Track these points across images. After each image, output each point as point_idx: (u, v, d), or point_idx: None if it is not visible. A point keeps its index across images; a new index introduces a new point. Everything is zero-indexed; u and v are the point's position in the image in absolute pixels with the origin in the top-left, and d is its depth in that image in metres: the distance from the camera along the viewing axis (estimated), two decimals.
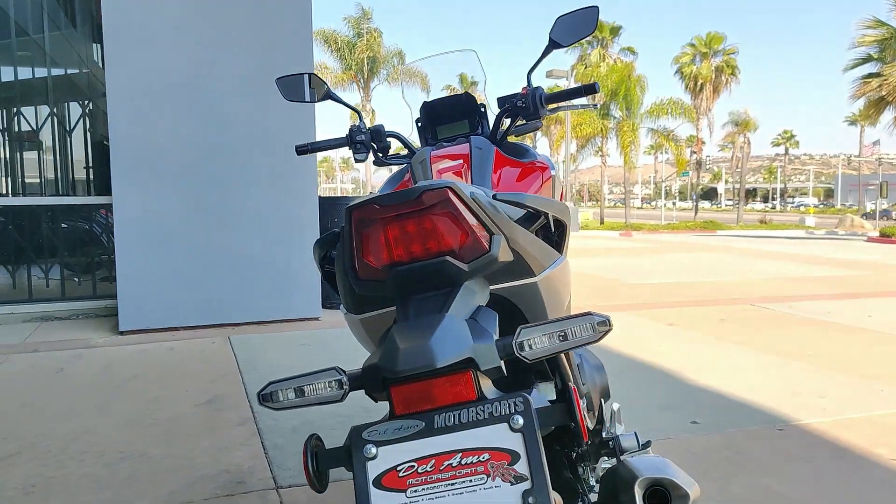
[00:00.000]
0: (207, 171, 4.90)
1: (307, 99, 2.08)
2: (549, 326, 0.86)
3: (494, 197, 1.03)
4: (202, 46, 4.87)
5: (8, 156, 5.77)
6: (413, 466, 0.80)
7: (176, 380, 3.58)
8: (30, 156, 6.01)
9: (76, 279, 5.78)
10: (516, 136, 2.18)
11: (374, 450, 0.82)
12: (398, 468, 0.81)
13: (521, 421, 0.81)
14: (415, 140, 2.15)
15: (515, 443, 0.80)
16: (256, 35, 4.97)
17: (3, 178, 6.09)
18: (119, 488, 2.25)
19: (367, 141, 2.14)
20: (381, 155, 2.19)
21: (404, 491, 0.80)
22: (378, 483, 0.80)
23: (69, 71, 6.03)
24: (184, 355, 4.13)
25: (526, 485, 0.78)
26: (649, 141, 37.01)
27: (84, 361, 3.96)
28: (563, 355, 1.33)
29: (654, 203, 76.45)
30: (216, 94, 4.89)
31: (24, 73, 5.76)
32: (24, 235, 5.61)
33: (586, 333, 0.86)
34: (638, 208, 70.49)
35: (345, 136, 2.15)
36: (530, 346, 0.86)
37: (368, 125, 2.16)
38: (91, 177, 5.95)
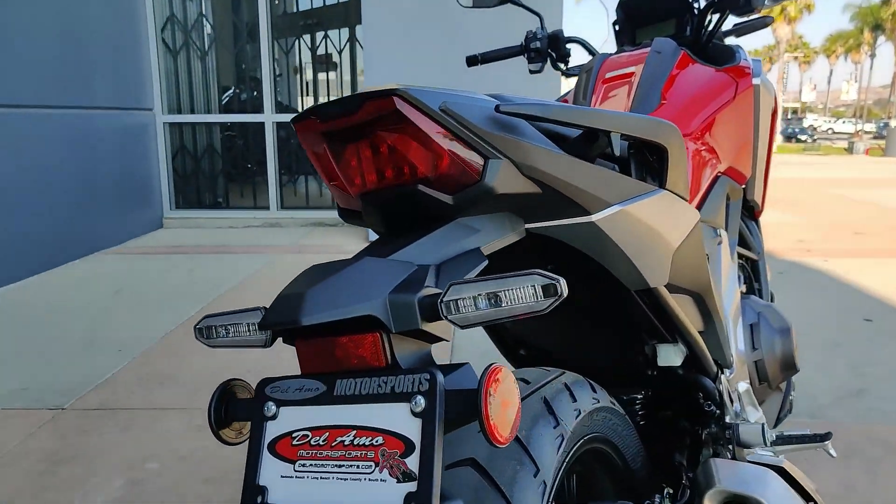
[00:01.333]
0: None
1: (486, 4, 1.91)
2: (481, 285, 0.63)
3: (497, 109, 0.77)
4: None
5: (305, 78, 6.48)
6: (307, 436, 0.67)
7: None
8: (322, 77, 6.69)
9: None
10: (737, 37, 1.78)
11: (274, 408, 0.70)
12: (293, 435, 0.68)
13: (422, 403, 0.62)
14: (611, 47, 1.86)
15: (413, 430, 0.62)
16: None
17: (303, 98, 6.92)
18: None
19: (542, 48, 1.92)
20: (561, 65, 1.96)
21: (293, 462, 0.67)
22: (272, 448, 0.69)
23: None
24: None
25: (410, 486, 0.60)
26: None
27: None
28: (674, 307, 1.00)
29: None
30: (459, 16, 4.89)
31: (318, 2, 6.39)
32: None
33: (528, 300, 0.61)
34: None
35: (519, 44, 1.96)
36: (458, 309, 0.64)
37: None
38: None
